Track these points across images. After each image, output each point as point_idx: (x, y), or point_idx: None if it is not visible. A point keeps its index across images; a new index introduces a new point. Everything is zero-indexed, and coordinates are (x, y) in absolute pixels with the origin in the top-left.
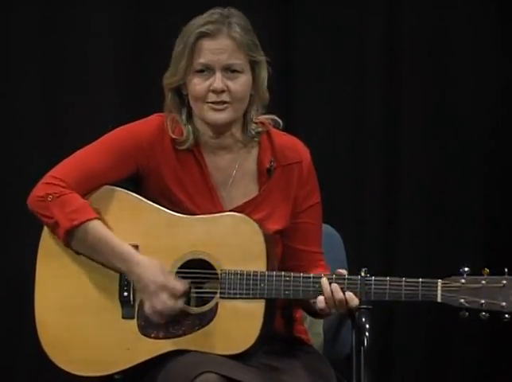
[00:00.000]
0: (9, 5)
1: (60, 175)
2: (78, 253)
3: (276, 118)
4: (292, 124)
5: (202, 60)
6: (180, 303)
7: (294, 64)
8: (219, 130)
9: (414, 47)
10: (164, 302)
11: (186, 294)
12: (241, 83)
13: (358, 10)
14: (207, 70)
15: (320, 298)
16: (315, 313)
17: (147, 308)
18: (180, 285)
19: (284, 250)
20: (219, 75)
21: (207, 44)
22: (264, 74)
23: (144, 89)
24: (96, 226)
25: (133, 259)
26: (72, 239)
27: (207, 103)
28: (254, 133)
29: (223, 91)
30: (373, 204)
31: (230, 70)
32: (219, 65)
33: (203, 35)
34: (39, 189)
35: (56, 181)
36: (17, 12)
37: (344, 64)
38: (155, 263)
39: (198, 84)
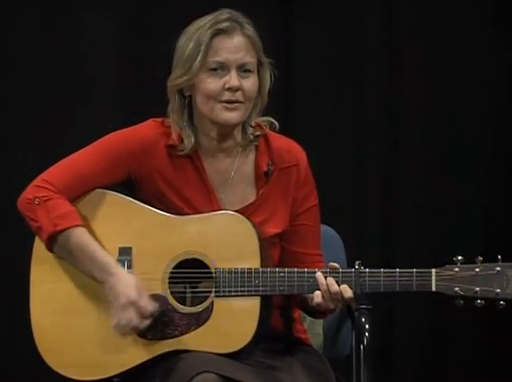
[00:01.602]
0: (10, 5)
1: (50, 178)
2: (60, 258)
3: (272, 119)
4: (291, 125)
5: (218, 58)
6: (145, 323)
7: (294, 64)
8: (226, 130)
9: (414, 47)
10: (130, 319)
11: (152, 316)
12: (252, 83)
13: (358, 10)
14: (220, 68)
15: (317, 293)
16: (312, 312)
17: (113, 320)
18: (150, 306)
19: (282, 253)
20: (234, 73)
21: (223, 42)
22: (267, 76)
23: (144, 91)
24: (79, 234)
25: (110, 269)
26: (55, 244)
27: (221, 101)
28: (252, 137)
29: (237, 90)
30: (373, 204)
31: (243, 69)
32: (235, 64)
33: (219, 32)
34: (28, 192)
35: (46, 185)
36: (17, 13)
37: (344, 64)
38: (131, 279)
39: (212, 83)
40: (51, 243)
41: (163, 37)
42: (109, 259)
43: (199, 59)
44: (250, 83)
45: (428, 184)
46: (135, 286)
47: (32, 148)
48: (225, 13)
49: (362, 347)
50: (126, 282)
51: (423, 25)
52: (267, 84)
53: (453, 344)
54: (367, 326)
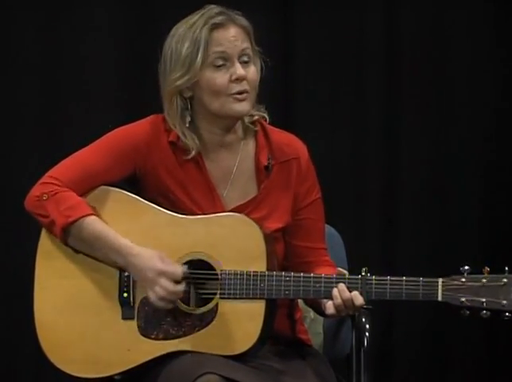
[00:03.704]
0: (10, 5)
1: (56, 175)
2: (76, 251)
3: (263, 113)
4: (292, 124)
5: (220, 48)
6: (181, 287)
7: (294, 63)
8: (232, 123)
9: (414, 48)
10: (165, 287)
11: (187, 278)
12: (253, 72)
13: (358, 11)
14: (224, 62)
15: (329, 305)
16: (323, 314)
17: (151, 296)
18: (179, 269)
19: (286, 248)
20: (237, 63)
21: (221, 35)
22: (259, 65)
23: (144, 89)
24: (92, 222)
25: (131, 251)
26: (69, 236)
27: (230, 95)
28: (249, 124)
29: (243, 79)
30: (373, 204)
31: (243, 59)
32: (236, 52)
33: (215, 27)
34: (35, 190)
35: (52, 180)
36: (18, 12)
37: (344, 64)
38: (153, 252)
39: (218, 77)
40: (65, 235)
41: (163, 36)
42: (126, 241)
43: (200, 55)
44: (251, 71)
45: (429, 183)
46: (158, 257)
47: (32, 148)
48: (215, 8)
49: (362, 347)
50: (149, 257)
51: (423, 25)
52: (259, 74)
53: (453, 345)
54: (367, 326)
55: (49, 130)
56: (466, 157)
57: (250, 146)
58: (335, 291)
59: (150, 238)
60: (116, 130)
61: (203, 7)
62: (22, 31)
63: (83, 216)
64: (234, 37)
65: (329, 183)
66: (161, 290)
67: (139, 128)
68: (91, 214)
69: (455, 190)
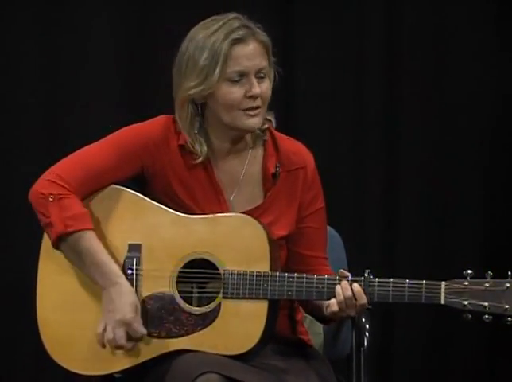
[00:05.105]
0: (10, 5)
1: (64, 174)
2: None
3: (271, 118)
4: (292, 125)
5: (238, 67)
6: (129, 345)
7: (294, 64)
8: (243, 135)
9: (414, 47)
10: (118, 337)
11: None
12: (267, 87)
13: (358, 11)
14: (240, 77)
15: (333, 302)
16: (324, 318)
17: (100, 326)
18: (142, 330)
19: (288, 254)
20: (254, 80)
21: (241, 51)
22: (272, 76)
23: (145, 89)
24: (89, 238)
25: (114, 279)
26: (62, 243)
27: (243, 110)
28: (259, 131)
29: (258, 96)
30: (373, 204)
31: (259, 76)
32: (254, 70)
33: (236, 41)
34: (42, 186)
35: (61, 182)
36: (18, 12)
37: (344, 63)
38: (131, 295)
39: (234, 93)
40: (59, 241)
41: (163, 36)
42: (115, 267)
43: (218, 70)
44: (265, 87)
45: (429, 183)
46: (133, 305)
47: (33, 149)
48: (235, 20)
49: (362, 347)
50: (126, 298)
51: (423, 25)
52: (271, 85)
53: (453, 345)
54: (367, 326)
55: (50, 130)
56: (466, 158)
57: (258, 153)
58: (338, 288)
59: (155, 237)
60: (125, 128)
61: (223, 14)
62: (23, 31)
63: (83, 230)
64: (253, 54)
65: (329, 184)
66: (113, 334)
67: (149, 128)
68: (91, 229)
69: (456, 191)
